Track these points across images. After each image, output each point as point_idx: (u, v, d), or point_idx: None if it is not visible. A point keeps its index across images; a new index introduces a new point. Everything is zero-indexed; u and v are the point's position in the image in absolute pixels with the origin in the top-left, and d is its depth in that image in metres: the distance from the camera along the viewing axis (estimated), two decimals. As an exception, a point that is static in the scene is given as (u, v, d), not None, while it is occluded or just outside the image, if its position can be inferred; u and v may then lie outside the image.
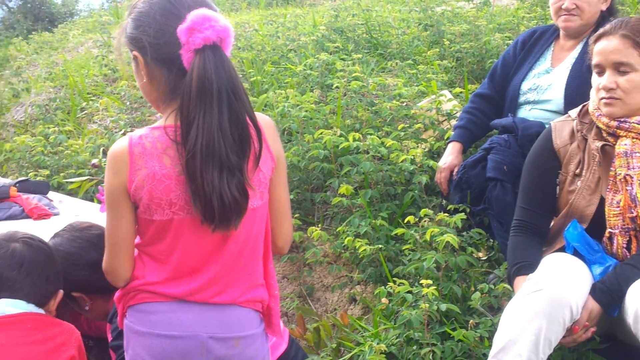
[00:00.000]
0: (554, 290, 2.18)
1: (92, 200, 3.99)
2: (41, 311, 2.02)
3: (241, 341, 1.88)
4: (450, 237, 2.77)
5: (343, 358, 2.78)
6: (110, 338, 2.43)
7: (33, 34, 12.24)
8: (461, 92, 4.31)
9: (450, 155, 3.41)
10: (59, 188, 4.33)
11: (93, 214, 3.16)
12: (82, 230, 2.53)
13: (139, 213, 1.83)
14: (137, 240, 1.90)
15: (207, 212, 1.74)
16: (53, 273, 2.11)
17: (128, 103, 5.72)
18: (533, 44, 3.52)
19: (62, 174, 4.58)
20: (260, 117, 1.88)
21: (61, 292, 2.15)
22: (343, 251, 3.46)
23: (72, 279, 2.35)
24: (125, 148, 1.79)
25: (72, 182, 3.67)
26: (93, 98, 6.09)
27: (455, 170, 3.31)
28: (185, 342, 1.83)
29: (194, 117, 1.70)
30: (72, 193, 4.14)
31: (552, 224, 2.61)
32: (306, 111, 4.03)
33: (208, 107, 1.70)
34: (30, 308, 1.99)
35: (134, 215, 1.84)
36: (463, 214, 2.99)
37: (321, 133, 3.68)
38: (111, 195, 1.82)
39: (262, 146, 1.81)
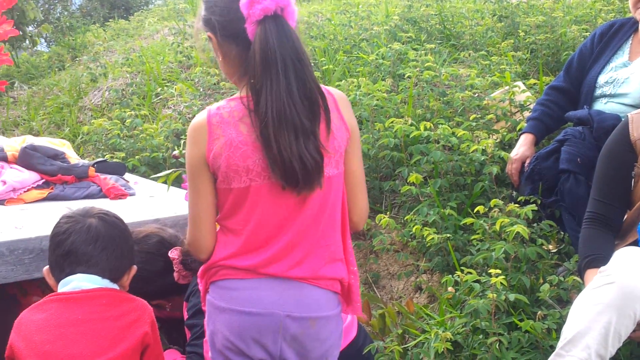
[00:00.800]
0: (626, 284, 2.15)
1: (178, 181, 4.08)
2: (115, 286, 2.06)
3: (317, 322, 1.91)
4: (521, 228, 2.74)
5: (408, 345, 2.79)
6: (186, 316, 2.48)
7: (109, 22, 12.52)
8: (535, 84, 4.26)
9: (523, 147, 3.37)
10: (134, 170, 4.44)
11: (167, 196, 3.23)
12: (139, 243, 2.52)
13: (218, 184, 1.88)
14: (219, 214, 1.95)
15: (288, 177, 1.79)
16: (127, 248, 2.14)
17: (201, 89, 5.81)
18: (611, 37, 3.45)
19: (137, 157, 4.70)
20: (333, 90, 1.92)
21: (134, 267, 2.18)
22: (410, 240, 3.46)
23: (146, 291, 2.35)
24: (204, 119, 1.85)
25: (158, 177, 3.73)
26: (168, 84, 6.20)
27: (527, 161, 3.28)
28: (263, 319, 1.87)
29: (261, 86, 1.77)
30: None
31: (625, 217, 2.57)
32: (377, 100, 4.04)
33: (274, 76, 1.75)
34: (105, 283, 2.03)
35: (213, 187, 1.89)
36: (534, 205, 2.96)
37: (392, 122, 3.68)
38: (191, 167, 1.89)
39: (329, 116, 1.84)
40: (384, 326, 3.02)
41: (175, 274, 2.42)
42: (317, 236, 1.89)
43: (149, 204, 3.21)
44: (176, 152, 4.50)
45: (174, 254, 2.38)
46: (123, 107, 5.84)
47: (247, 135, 1.81)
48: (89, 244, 2.03)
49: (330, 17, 6.75)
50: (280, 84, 1.75)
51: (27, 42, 11.44)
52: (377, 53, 4.89)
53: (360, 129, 4.05)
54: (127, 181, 3.53)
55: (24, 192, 3.17)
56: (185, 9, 9.99)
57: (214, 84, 5.63)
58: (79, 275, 2.01)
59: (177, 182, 4.12)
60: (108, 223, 2.11)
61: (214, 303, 1.94)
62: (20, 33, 9.63)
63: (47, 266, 2.08)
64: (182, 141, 4.68)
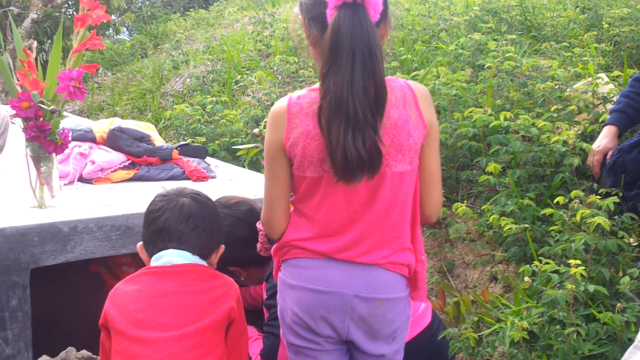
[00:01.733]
0: None
1: (257, 167, 4.17)
2: (204, 263, 2.11)
3: (384, 303, 1.93)
4: (602, 220, 2.71)
5: (483, 333, 2.80)
6: (265, 296, 2.54)
7: (190, 11, 12.75)
8: (619, 76, 4.18)
9: (605, 139, 3.32)
10: (213, 155, 4.55)
11: (246, 179, 3.31)
12: (230, 207, 2.60)
13: (293, 170, 1.92)
14: (292, 197, 2.00)
15: (333, 165, 1.80)
16: (217, 228, 2.18)
17: (280, 77, 5.90)
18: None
19: (216, 142, 4.81)
20: (416, 85, 1.92)
21: (222, 246, 2.21)
22: (486, 229, 3.46)
23: (227, 256, 2.37)
24: (284, 107, 1.89)
25: (239, 149, 3.83)
26: (247, 72, 6.31)
27: (610, 153, 3.23)
28: (332, 298, 1.91)
29: (327, 72, 1.77)
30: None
31: None
32: (456, 90, 4.04)
33: (340, 64, 1.74)
34: (195, 259, 2.07)
35: (289, 172, 1.93)
36: (615, 197, 2.92)
37: (471, 111, 3.68)
38: (269, 151, 1.93)
39: (399, 112, 1.85)
40: (459, 314, 3.03)
41: (258, 245, 2.48)
42: (386, 229, 1.91)
43: (229, 186, 3.28)
44: (256, 130, 4.59)
45: (261, 225, 2.43)
46: (204, 93, 5.98)
47: (316, 132, 1.84)
48: (181, 222, 2.07)
49: (409, 7, 6.75)
50: (345, 72, 1.74)
51: (111, 30, 11.76)
52: (457, 43, 4.88)
53: (438, 119, 4.06)
54: (209, 164, 3.61)
55: (111, 172, 3.28)
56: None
57: (293, 72, 5.71)
58: (170, 250, 2.06)
59: (257, 166, 4.23)
60: (200, 203, 2.15)
61: (285, 280, 1.99)
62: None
63: (141, 242, 2.15)
64: (264, 122, 4.78)
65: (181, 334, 1.91)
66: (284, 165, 1.92)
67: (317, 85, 1.87)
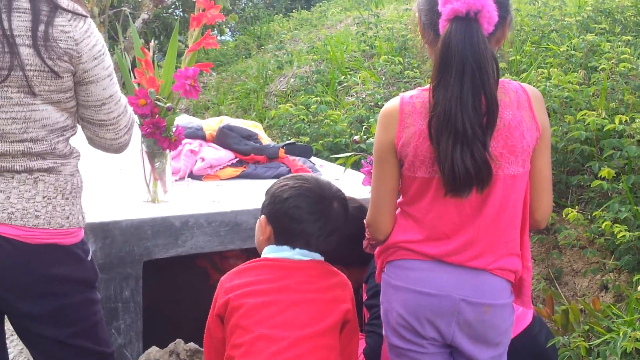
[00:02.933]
0: None
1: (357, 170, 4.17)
2: (322, 258, 2.08)
3: (492, 309, 1.90)
4: None
5: (593, 342, 2.71)
6: (365, 297, 2.54)
7: (292, 12, 12.89)
8: None
9: None
10: (317, 154, 4.57)
11: (352, 180, 3.31)
12: None
13: (403, 170, 1.90)
14: (400, 199, 1.98)
15: (442, 178, 1.79)
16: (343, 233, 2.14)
17: (384, 78, 5.88)
18: None
19: (320, 142, 4.84)
20: (529, 87, 1.88)
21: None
22: (597, 236, 3.35)
23: (333, 254, 2.33)
24: (397, 106, 1.87)
25: (338, 158, 3.84)
26: (351, 72, 6.33)
27: None
28: (440, 301, 1.88)
29: (436, 84, 1.75)
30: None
31: None
32: (568, 92, 3.93)
33: (449, 78, 1.73)
34: (315, 255, 2.05)
35: (398, 172, 1.92)
36: None
37: (584, 114, 3.57)
38: (379, 151, 1.92)
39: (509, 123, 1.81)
40: (567, 323, 2.94)
41: (365, 241, 2.47)
42: (497, 233, 1.88)
43: (334, 186, 3.29)
44: (357, 137, 4.58)
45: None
46: (307, 93, 6.03)
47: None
48: (324, 234, 2.03)
49: (518, 7, 6.61)
50: (453, 87, 1.72)
51: (215, 30, 12.02)
52: (569, 44, 4.75)
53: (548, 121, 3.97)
54: (314, 164, 3.64)
55: (220, 169, 3.35)
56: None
57: (398, 72, 5.68)
58: (297, 250, 2.03)
59: (357, 166, 4.23)
60: (346, 211, 2.10)
61: (390, 282, 1.97)
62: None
63: (264, 216, 2.08)
64: (363, 127, 4.77)
65: (304, 335, 1.90)
66: (394, 165, 1.91)
67: (428, 85, 1.86)
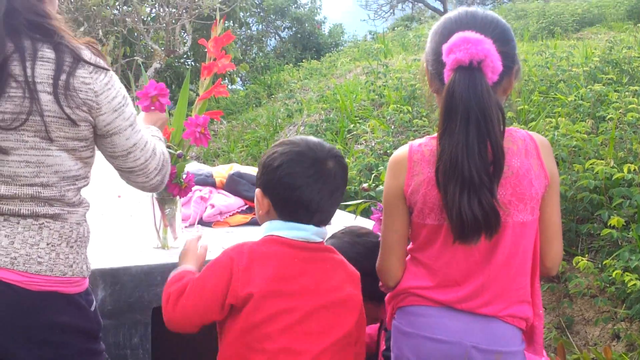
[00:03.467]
0: None
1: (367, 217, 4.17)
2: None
3: (503, 357, 1.88)
4: None
5: (604, 393, 2.68)
6: (383, 347, 2.51)
7: (302, 62, 13.04)
8: None
9: None
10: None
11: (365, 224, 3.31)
12: (361, 236, 2.55)
13: (413, 217, 1.91)
14: (410, 245, 1.98)
15: (450, 225, 1.79)
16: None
17: (393, 127, 5.92)
18: None
19: (329, 189, 4.84)
20: (537, 136, 1.89)
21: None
22: (608, 285, 3.33)
23: None
24: (406, 154, 1.89)
25: (348, 205, 3.86)
26: (360, 121, 6.37)
27: None
28: (450, 348, 1.87)
29: (442, 132, 1.76)
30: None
31: None
32: (576, 141, 3.95)
33: (454, 126, 1.74)
34: (325, 234, 1.96)
35: (408, 219, 1.92)
36: None
37: (592, 163, 3.58)
38: (388, 197, 1.93)
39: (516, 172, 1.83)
40: (579, 372, 2.92)
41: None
42: (508, 280, 1.87)
43: (344, 233, 3.29)
44: (365, 185, 4.61)
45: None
46: (317, 141, 6.05)
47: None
48: (326, 198, 1.90)
49: (525, 57, 6.69)
50: (459, 134, 1.73)
51: (226, 79, 12.16)
52: (576, 94, 4.79)
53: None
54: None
55: (230, 215, 3.35)
56: (379, 49, 10.21)
57: (407, 121, 5.72)
58: (311, 227, 1.90)
59: (367, 213, 4.23)
60: (343, 167, 1.95)
61: (400, 328, 1.96)
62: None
63: (259, 189, 1.96)
64: (373, 175, 4.79)
65: (325, 347, 1.87)
66: (403, 212, 1.91)
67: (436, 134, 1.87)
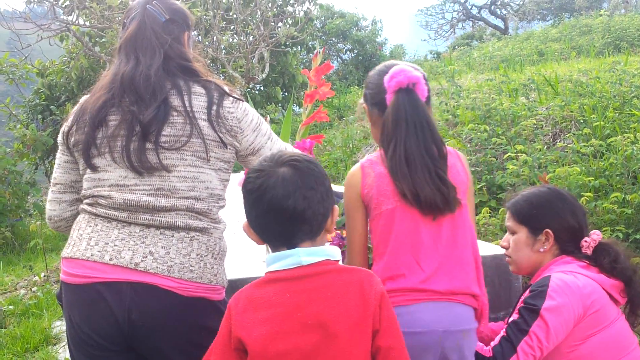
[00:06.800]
0: None
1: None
2: (330, 256, 1.79)
3: (467, 334, 2.15)
4: None
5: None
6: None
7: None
8: None
9: None
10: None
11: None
12: None
13: (370, 212, 2.21)
14: (374, 250, 2.23)
15: (422, 204, 2.11)
16: (326, 191, 1.83)
17: (469, 145, 6.13)
18: None
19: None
20: (455, 150, 2.29)
21: (336, 208, 1.85)
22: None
23: None
24: (359, 167, 2.25)
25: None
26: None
27: None
28: (426, 337, 2.12)
29: (391, 138, 2.16)
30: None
31: None
32: (655, 155, 4.12)
33: (403, 131, 2.15)
34: (323, 253, 1.78)
35: (365, 219, 2.23)
36: None
37: (673, 176, 3.76)
38: (348, 203, 2.24)
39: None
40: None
41: None
42: (456, 258, 2.16)
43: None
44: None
45: None
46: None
47: (387, 173, 2.19)
48: (288, 198, 1.73)
49: (596, 74, 6.82)
50: (409, 136, 2.14)
51: (293, 103, 12.50)
52: (652, 109, 4.93)
53: (634, 184, 4.15)
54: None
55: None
56: (444, 69, 10.41)
57: (484, 139, 5.93)
58: (297, 249, 1.75)
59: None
60: (301, 170, 1.79)
61: None
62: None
63: (245, 223, 1.85)
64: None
65: None
66: (362, 212, 2.22)
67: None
